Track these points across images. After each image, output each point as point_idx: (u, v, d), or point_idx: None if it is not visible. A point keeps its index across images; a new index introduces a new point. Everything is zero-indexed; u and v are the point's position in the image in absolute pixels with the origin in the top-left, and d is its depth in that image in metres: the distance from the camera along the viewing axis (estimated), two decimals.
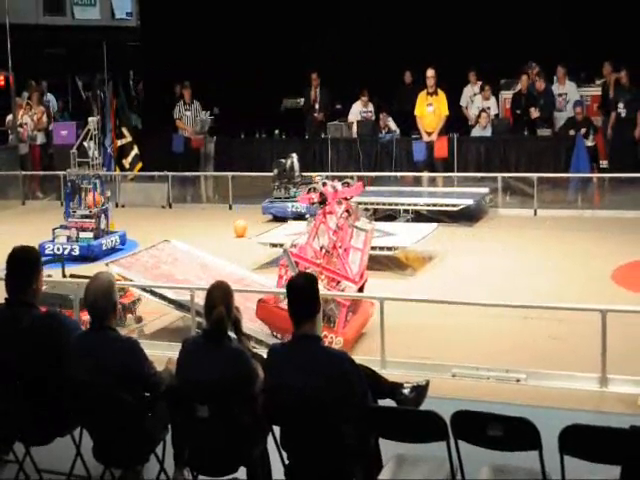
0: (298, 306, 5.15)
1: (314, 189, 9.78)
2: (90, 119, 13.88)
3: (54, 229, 13.24)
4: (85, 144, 13.45)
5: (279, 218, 14.93)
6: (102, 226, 13.31)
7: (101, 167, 13.72)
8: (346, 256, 9.09)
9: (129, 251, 13.14)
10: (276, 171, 15.50)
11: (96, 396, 5.30)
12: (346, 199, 9.55)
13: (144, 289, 9.20)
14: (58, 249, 12.51)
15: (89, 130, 13.53)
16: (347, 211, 9.47)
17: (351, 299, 8.71)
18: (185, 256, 10.34)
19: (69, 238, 13.07)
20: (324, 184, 9.71)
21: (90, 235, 13.11)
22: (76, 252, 12.75)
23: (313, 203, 9.64)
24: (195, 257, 10.41)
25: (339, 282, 8.90)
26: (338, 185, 9.63)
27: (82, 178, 13.39)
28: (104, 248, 13.11)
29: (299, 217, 14.46)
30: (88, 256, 12.69)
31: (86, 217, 13.25)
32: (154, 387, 5.48)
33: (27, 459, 5.77)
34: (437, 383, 6.39)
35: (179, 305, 9.08)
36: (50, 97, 20.42)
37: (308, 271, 8.65)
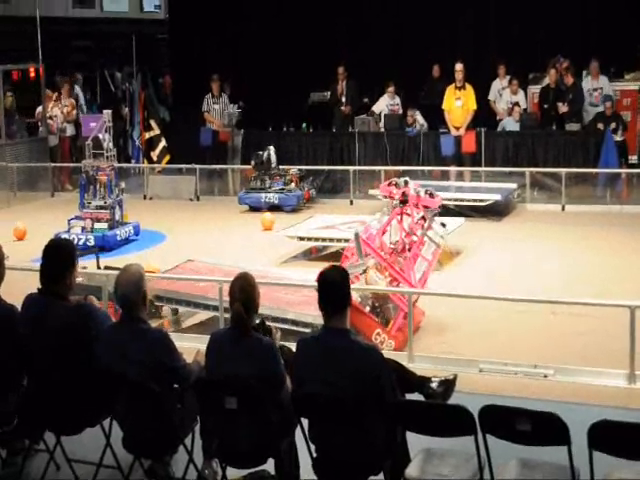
0: (329, 299, 5.14)
1: (396, 184, 9.71)
2: (105, 111, 14.02)
3: (69, 220, 13.36)
4: (100, 136, 13.54)
5: (254, 208, 15.59)
6: (116, 217, 13.41)
7: (115, 159, 13.76)
8: (413, 262, 9.06)
9: (148, 242, 13.30)
10: (253, 162, 16.05)
11: (126, 387, 5.35)
12: (425, 207, 9.51)
13: (169, 299, 9.31)
14: (73, 239, 12.57)
15: (104, 122, 13.64)
16: (423, 218, 9.43)
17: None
18: (210, 269, 10.27)
19: (84, 229, 13.20)
20: (406, 183, 9.66)
21: (105, 226, 13.23)
22: (91, 242, 12.83)
23: (392, 198, 9.60)
24: (221, 268, 10.38)
25: (399, 284, 8.84)
26: (422, 191, 9.59)
27: (97, 169, 13.50)
28: (119, 239, 13.23)
29: (273, 208, 15.21)
30: (103, 247, 12.72)
31: (101, 208, 13.37)
32: (183, 379, 5.51)
33: (57, 449, 5.83)
34: (464, 378, 6.39)
35: (204, 306, 9.15)
36: (77, 89, 20.50)
37: (371, 262, 8.67)
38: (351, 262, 8.81)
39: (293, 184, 15.79)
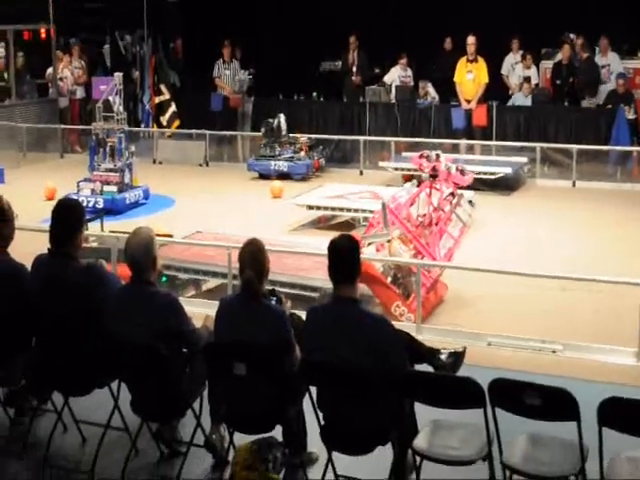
0: (339, 268, 5.10)
1: (428, 157, 9.65)
2: (116, 74, 13.99)
3: (78, 182, 13.34)
4: (110, 99, 13.49)
5: (263, 175, 15.59)
6: (126, 180, 13.40)
7: (125, 122, 13.71)
8: (439, 237, 9.02)
9: (157, 206, 13.28)
10: (263, 130, 16.02)
11: (134, 350, 5.34)
12: (455, 184, 9.45)
13: (178, 269, 9.28)
14: (82, 202, 12.53)
15: (115, 85, 13.59)
16: (452, 194, 9.36)
17: (432, 279, 8.65)
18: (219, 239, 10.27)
19: (93, 191, 13.19)
20: (437, 156, 9.60)
21: (114, 189, 13.23)
22: (100, 205, 12.84)
23: (422, 170, 9.54)
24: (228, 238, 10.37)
25: (423, 257, 8.78)
26: (453, 167, 9.53)
27: (107, 132, 13.45)
28: (128, 202, 13.24)
29: (282, 176, 15.21)
30: (112, 209, 12.77)
31: (110, 171, 13.34)
32: (192, 343, 5.52)
33: (65, 409, 5.85)
34: (473, 351, 6.37)
35: (213, 273, 9.15)
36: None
37: (397, 232, 8.65)
38: (376, 231, 8.78)
39: (303, 152, 15.75)
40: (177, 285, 9.49)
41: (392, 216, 8.72)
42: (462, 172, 9.58)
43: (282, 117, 15.99)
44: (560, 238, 11.33)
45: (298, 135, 16.17)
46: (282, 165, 15.55)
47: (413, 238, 8.78)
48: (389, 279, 8.52)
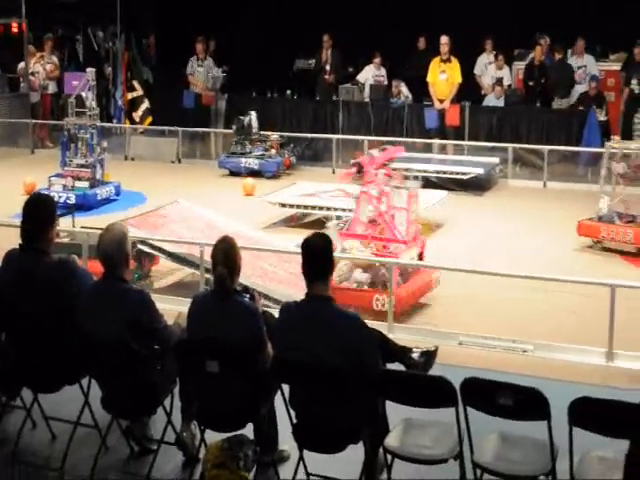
0: (312, 266, 5.12)
1: (357, 164, 9.69)
2: (88, 70, 13.93)
3: (50, 177, 13.29)
4: (83, 94, 13.44)
5: (233, 173, 15.68)
6: (97, 176, 13.35)
7: (97, 118, 13.68)
8: (392, 220, 9.06)
9: (128, 202, 13.25)
10: (235, 127, 16.11)
11: (105, 346, 5.31)
12: (384, 164, 9.44)
13: (153, 246, 9.20)
14: (54, 197, 12.46)
15: (88, 80, 13.53)
16: (389, 176, 9.38)
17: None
18: (194, 216, 10.31)
19: (65, 187, 13.15)
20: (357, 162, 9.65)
21: (86, 184, 13.20)
22: (72, 200, 12.81)
23: (354, 177, 9.57)
24: (204, 217, 10.39)
25: (388, 247, 8.88)
26: (374, 152, 9.55)
27: (79, 128, 13.39)
28: (99, 198, 13.22)
29: (252, 173, 15.29)
30: (83, 205, 12.70)
31: (82, 166, 13.29)
32: (164, 340, 5.49)
33: (35, 406, 5.81)
34: (444, 350, 6.37)
35: (187, 262, 9.10)
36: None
37: (356, 243, 8.72)
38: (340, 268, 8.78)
39: (274, 150, 15.76)
40: None
41: (342, 238, 8.88)
42: (384, 149, 9.64)
43: (253, 114, 16.02)
44: (531, 238, 11.38)
45: (269, 133, 16.17)
46: (253, 163, 15.58)
47: (370, 240, 8.91)
48: (365, 286, 8.59)
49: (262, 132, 16.06)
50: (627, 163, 11.04)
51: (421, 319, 8.43)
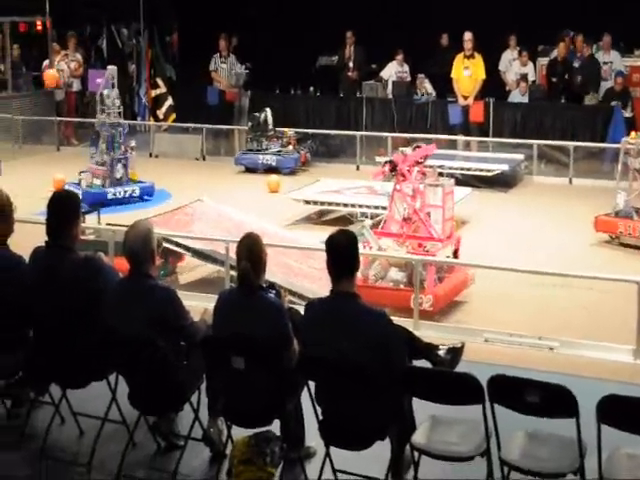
0: (337, 263, 5.10)
1: (390, 162, 9.66)
2: (109, 67, 13.93)
3: (80, 172, 13.41)
4: (105, 92, 13.46)
5: (250, 169, 15.67)
6: (118, 175, 13.32)
7: (120, 116, 13.66)
8: (428, 217, 9.04)
9: (153, 200, 13.25)
10: (250, 124, 16.18)
11: (132, 342, 5.33)
12: (418, 162, 9.43)
13: (178, 244, 9.21)
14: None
15: (109, 78, 13.58)
16: (423, 174, 9.36)
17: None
18: (219, 214, 10.32)
19: (79, 184, 13.21)
20: (390, 160, 9.63)
21: (99, 182, 13.24)
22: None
23: (386, 175, 9.56)
24: (229, 215, 10.40)
25: (424, 245, 8.90)
26: (408, 150, 9.54)
27: (102, 125, 13.42)
28: (110, 197, 13.08)
29: (269, 170, 15.28)
30: (93, 203, 12.67)
31: (102, 164, 13.32)
32: (190, 336, 5.50)
33: (63, 402, 5.84)
34: (469, 347, 6.35)
35: (212, 259, 9.12)
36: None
37: (391, 243, 8.82)
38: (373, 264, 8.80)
39: (291, 146, 15.74)
40: None
41: (376, 236, 8.92)
42: (417, 147, 9.63)
43: (268, 111, 16.05)
44: (557, 235, 11.32)
45: (285, 129, 16.14)
46: (270, 159, 15.58)
47: (405, 238, 8.90)
48: (401, 285, 8.63)
49: (278, 128, 16.05)
50: None
51: (447, 315, 8.41)
